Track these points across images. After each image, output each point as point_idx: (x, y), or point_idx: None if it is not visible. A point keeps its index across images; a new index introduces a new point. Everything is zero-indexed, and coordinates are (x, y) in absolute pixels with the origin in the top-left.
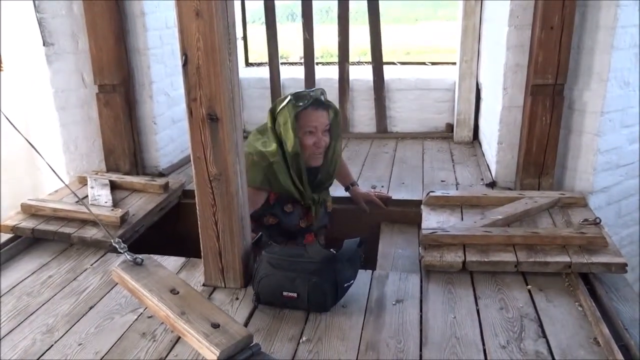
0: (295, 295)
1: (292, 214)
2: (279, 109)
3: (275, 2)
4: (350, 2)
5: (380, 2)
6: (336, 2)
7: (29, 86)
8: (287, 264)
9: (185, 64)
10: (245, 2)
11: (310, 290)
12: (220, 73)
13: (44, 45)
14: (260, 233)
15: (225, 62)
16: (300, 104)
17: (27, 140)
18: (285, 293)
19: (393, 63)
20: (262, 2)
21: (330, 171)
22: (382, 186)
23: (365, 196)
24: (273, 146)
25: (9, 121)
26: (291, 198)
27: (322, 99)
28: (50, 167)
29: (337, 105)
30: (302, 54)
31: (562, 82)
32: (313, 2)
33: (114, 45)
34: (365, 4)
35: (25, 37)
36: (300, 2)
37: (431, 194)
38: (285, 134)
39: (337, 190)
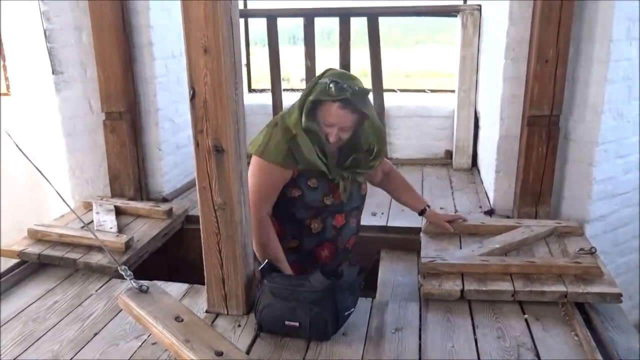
0: (297, 324)
1: (316, 190)
2: (318, 81)
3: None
4: (351, 24)
5: (380, 28)
6: (337, 27)
7: (37, 113)
8: (288, 293)
9: (192, 98)
10: (249, 25)
11: (312, 319)
12: (226, 106)
13: (53, 73)
14: (267, 260)
15: (232, 95)
16: (328, 96)
17: (35, 165)
18: (287, 322)
19: (393, 90)
20: (265, 27)
21: (370, 160)
22: (382, 213)
23: (445, 217)
24: (293, 117)
25: (17, 146)
26: (316, 173)
27: (354, 102)
28: (58, 194)
29: None
30: (303, 77)
31: (558, 114)
32: (315, 28)
33: (122, 74)
34: (365, 26)
35: (34, 66)
36: (302, 27)
37: None
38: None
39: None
